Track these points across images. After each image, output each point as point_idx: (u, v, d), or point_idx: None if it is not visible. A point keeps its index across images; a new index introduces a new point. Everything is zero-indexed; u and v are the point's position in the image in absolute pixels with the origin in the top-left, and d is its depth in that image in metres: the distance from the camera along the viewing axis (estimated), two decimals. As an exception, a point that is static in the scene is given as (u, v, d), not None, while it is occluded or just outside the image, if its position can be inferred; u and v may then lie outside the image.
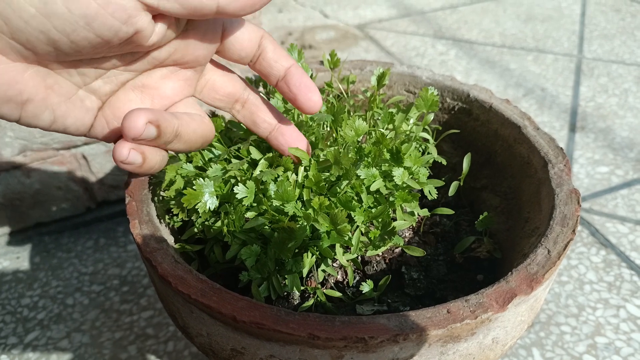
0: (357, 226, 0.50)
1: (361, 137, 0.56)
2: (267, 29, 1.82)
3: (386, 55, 1.66)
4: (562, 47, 1.68)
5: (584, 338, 0.83)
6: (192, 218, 0.55)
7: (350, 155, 0.48)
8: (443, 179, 0.59)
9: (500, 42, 1.72)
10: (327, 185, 0.51)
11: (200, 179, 0.51)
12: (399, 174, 0.49)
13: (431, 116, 0.59)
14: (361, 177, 0.50)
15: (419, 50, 1.69)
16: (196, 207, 0.50)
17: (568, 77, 1.52)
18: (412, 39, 1.76)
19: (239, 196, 0.49)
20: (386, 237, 0.49)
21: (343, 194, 0.49)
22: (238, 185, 0.49)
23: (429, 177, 0.54)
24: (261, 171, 0.52)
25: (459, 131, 0.67)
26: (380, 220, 0.49)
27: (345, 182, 0.50)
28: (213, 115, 0.68)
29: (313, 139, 0.55)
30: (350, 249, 0.52)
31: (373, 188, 0.50)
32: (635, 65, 1.56)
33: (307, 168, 0.53)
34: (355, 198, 0.52)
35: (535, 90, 1.46)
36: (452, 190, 0.60)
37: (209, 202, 0.51)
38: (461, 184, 0.61)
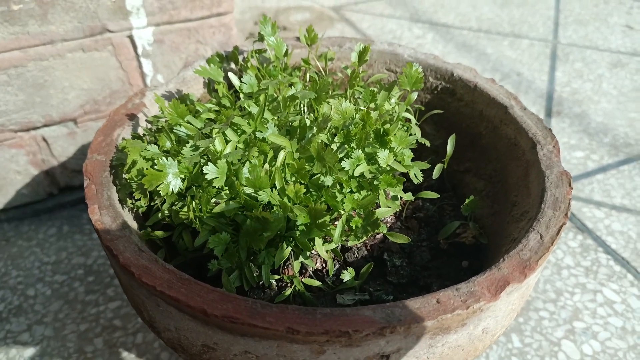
0: (341, 215, 0.47)
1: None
2: (240, 9, 1.76)
3: (363, 38, 1.62)
4: (537, 32, 1.67)
5: (562, 323, 0.83)
6: (157, 202, 0.51)
7: (334, 153, 0.45)
8: (426, 161, 0.56)
9: (476, 26, 1.71)
10: (308, 174, 0.47)
11: (164, 158, 0.46)
12: (384, 156, 0.46)
13: (415, 95, 0.56)
14: (345, 169, 0.46)
15: (396, 34, 1.65)
16: (158, 189, 0.46)
17: (544, 62, 1.51)
18: (388, 22, 1.73)
19: (208, 177, 0.44)
20: (369, 228, 0.46)
21: (327, 192, 0.46)
22: (208, 165, 0.45)
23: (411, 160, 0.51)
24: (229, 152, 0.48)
25: (442, 112, 0.64)
26: (364, 210, 0.46)
27: (329, 179, 0.46)
28: (180, 97, 0.63)
29: (297, 125, 0.51)
30: (330, 238, 0.48)
31: (357, 172, 0.46)
32: (609, 52, 1.57)
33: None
34: (338, 188, 0.48)
35: (512, 75, 1.45)
36: (436, 173, 0.57)
37: (173, 183, 0.46)
38: (445, 166, 0.59)
